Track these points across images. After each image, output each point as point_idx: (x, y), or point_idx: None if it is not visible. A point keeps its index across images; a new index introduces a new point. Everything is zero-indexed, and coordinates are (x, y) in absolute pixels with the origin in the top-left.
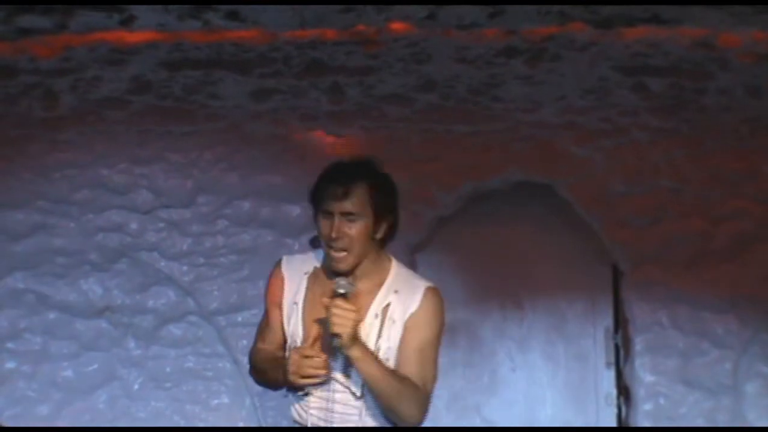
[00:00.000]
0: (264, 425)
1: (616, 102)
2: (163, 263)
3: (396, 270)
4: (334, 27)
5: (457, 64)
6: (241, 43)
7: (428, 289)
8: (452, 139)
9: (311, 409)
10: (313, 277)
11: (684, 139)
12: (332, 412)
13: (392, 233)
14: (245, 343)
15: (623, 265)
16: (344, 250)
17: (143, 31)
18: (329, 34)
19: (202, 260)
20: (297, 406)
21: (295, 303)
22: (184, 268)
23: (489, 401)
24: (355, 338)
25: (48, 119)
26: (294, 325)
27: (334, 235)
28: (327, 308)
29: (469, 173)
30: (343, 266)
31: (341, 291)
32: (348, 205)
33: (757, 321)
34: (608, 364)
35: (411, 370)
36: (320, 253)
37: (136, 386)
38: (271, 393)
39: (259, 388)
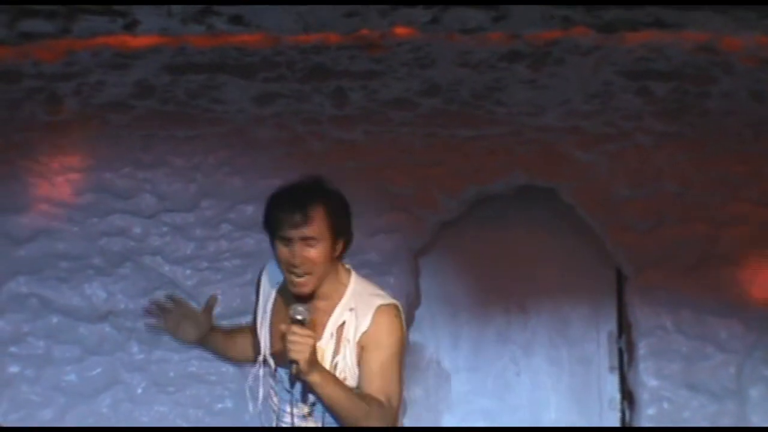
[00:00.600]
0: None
1: (620, 106)
2: (166, 267)
3: (354, 287)
4: (338, 31)
5: (461, 68)
6: (245, 48)
7: (380, 306)
8: (456, 144)
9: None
10: (284, 289)
11: (687, 143)
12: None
13: (347, 248)
14: None
15: (627, 269)
16: (306, 273)
17: (147, 35)
18: (333, 39)
19: (205, 264)
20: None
21: (265, 312)
22: (188, 272)
23: (493, 405)
24: (313, 363)
25: (51, 123)
26: (264, 333)
27: (297, 261)
28: (283, 335)
29: (473, 177)
30: (305, 290)
31: (298, 317)
32: (307, 231)
33: (761, 325)
34: (612, 369)
35: (373, 387)
36: None
37: (139, 390)
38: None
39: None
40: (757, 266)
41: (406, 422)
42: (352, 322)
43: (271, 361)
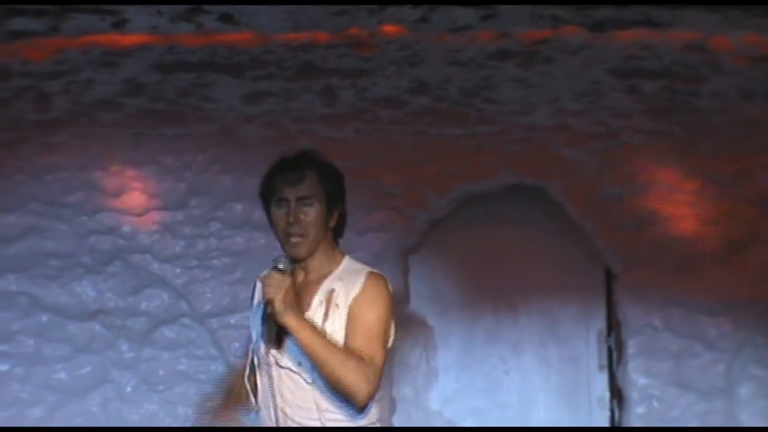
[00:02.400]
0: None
1: (609, 105)
2: (156, 266)
3: (346, 263)
4: (327, 30)
5: (450, 66)
6: (234, 46)
7: (371, 273)
8: (445, 142)
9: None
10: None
11: (677, 142)
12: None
13: (342, 225)
14: (237, 345)
15: (616, 268)
16: (301, 236)
17: (136, 33)
18: (322, 37)
19: (195, 263)
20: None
21: (259, 303)
22: (177, 270)
23: (482, 404)
24: (289, 305)
25: (41, 122)
26: (255, 324)
27: (292, 219)
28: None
29: (462, 176)
30: (301, 251)
31: (280, 266)
32: (303, 189)
33: (750, 323)
34: (601, 367)
35: (358, 344)
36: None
37: (129, 389)
38: None
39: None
40: (745, 265)
41: (396, 421)
42: (342, 289)
43: (262, 346)
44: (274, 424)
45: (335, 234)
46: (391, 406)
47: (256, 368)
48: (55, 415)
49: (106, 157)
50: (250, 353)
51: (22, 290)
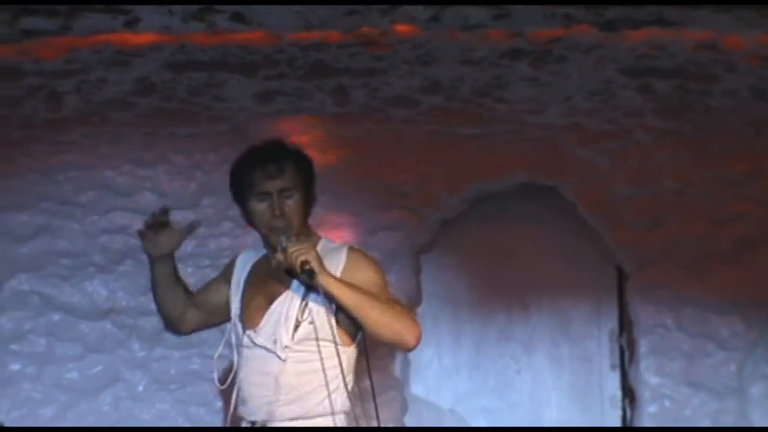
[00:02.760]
0: None
1: (621, 104)
2: None
3: (323, 243)
4: (339, 29)
5: (462, 65)
6: (246, 45)
7: (350, 248)
8: (457, 141)
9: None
10: (258, 264)
11: (689, 141)
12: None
13: (312, 205)
14: None
15: (628, 267)
16: (285, 228)
17: (148, 32)
18: (334, 36)
19: (207, 262)
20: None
21: (238, 285)
22: (189, 269)
23: (494, 403)
24: (322, 265)
25: (52, 121)
26: (234, 304)
27: (277, 212)
28: (284, 260)
29: (474, 175)
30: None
31: (285, 243)
32: (284, 182)
33: (762, 323)
34: (613, 366)
35: (382, 298)
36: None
37: (140, 388)
38: None
39: None
40: (757, 264)
41: (408, 420)
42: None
43: (240, 326)
44: (233, 405)
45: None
46: (403, 406)
47: (233, 348)
48: (66, 415)
49: (117, 156)
50: (227, 333)
51: (33, 289)
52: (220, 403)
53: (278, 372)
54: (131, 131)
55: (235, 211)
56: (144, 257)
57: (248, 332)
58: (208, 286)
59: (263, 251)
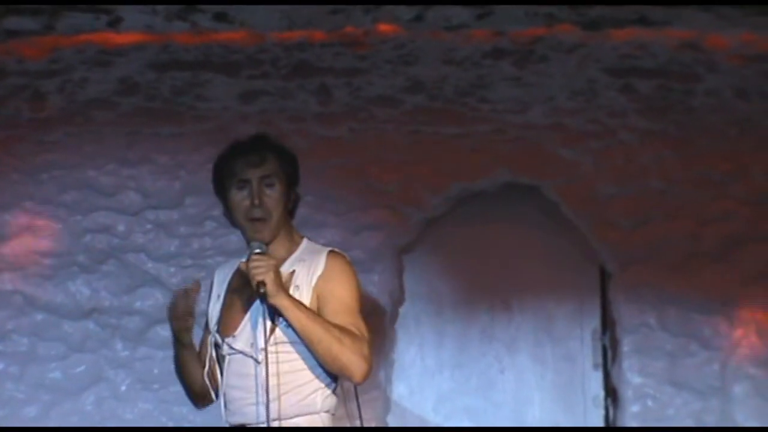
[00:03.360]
0: None
1: (604, 103)
2: (150, 265)
3: (305, 245)
4: (322, 28)
5: (445, 65)
6: (229, 45)
7: (330, 252)
8: (440, 141)
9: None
10: (237, 273)
11: (672, 141)
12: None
13: (296, 207)
14: None
15: (611, 267)
16: (264, 219)
17: (131, 32)
18: (317, 36)
19: (189, 262)
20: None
21: (218, 296)
22: (172, 269)
23: (477, 403)
24: (280, 285)
25: (35, 120)
26: (213, 315)
27: (256, 201)
28: (245, 270)
29: (457, 175)
30: (264, 234)
31: (257, 251)
32: (265, 170)
33: (745, 322)
34: (596, 366)
35: (342, 320)
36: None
37: (123, 388)
38: None
39: None
40: (741, 264)
41: (390, 420)
42: (304, 271)
43: (218, 337)
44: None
45: (290, 214)
46: (386, 405)
47: (215, 361)
48: (49, 414)
49: (101, 155)
50: (208, 347)
51: (16, 289)
52: None
53: (255, 374)
54: (115, 131)
55: (218, 210)
56: (128, 258)
57: (227, 340)
58: (203, 340)
59: (241, 259)
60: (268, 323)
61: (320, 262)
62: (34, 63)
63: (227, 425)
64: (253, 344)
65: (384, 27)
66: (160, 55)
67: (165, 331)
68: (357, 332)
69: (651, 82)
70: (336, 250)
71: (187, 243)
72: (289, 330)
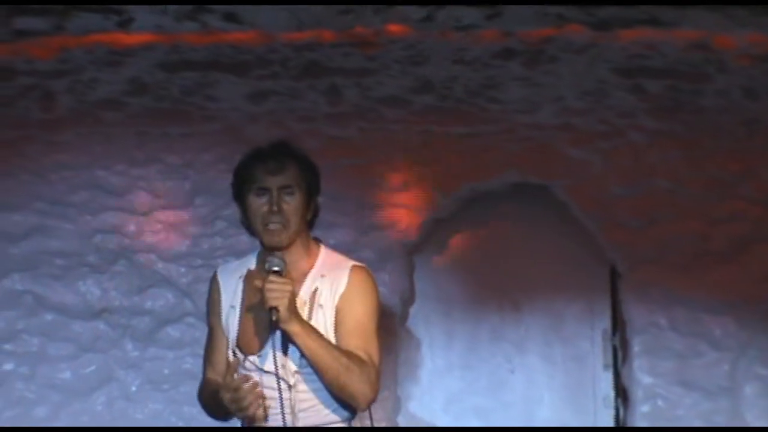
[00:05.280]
0: None
1: (614, 104)
2: (160, 265)
3: (324, 256)
4: (332, 29)
5: (455, 65)
6: (239, 45)
7: (354, 267)
8: (450, 141)
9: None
10: (249, 278)
11: (681, 141)
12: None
13: (316, 217)
14: None
15: (621, 267)
16: (282, 224)
17: (140, 32)
18: (327, 36)
19: (199, 262)
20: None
21: (233, 306)
22: (182, 269)
23: (487, 403)
24: (293, 311)
25: (45, 121)
26: (232, 328)
27: (275, 208)
28: (261, 287)
29: (467, 175)
30: (281, 239)
31: (275, 268)
32: (285, 178)
33: (754, 322)
34: (606, 366)
35: (353, 344)
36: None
37: (133, 388)
38: None
39: None
40: (750, 264)
41: (400, 420)
42: (326, 288)
43: (239, 353)
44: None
45: (310, 224)
46: (396, 405)
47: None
48: (59, 415)
49: (110, 156)
50: (231, 358)
51: (26, 289)
52: None
53: (288, 396)
54: (124, 131)
55: (228, 210)
56: (138, 258)
57: (251, 358)
58: (214, 345)
59: (247, 259)
60: (279, 345)
61: (342, 279)
62: (44, 63)
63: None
64: (285, 366)
65: (394, 27)
66: (169, 55)
67: (175, 331)
68: (366, 358)
69: (660, 83)
70: (359, 264)
71: (197, 243)
72: None
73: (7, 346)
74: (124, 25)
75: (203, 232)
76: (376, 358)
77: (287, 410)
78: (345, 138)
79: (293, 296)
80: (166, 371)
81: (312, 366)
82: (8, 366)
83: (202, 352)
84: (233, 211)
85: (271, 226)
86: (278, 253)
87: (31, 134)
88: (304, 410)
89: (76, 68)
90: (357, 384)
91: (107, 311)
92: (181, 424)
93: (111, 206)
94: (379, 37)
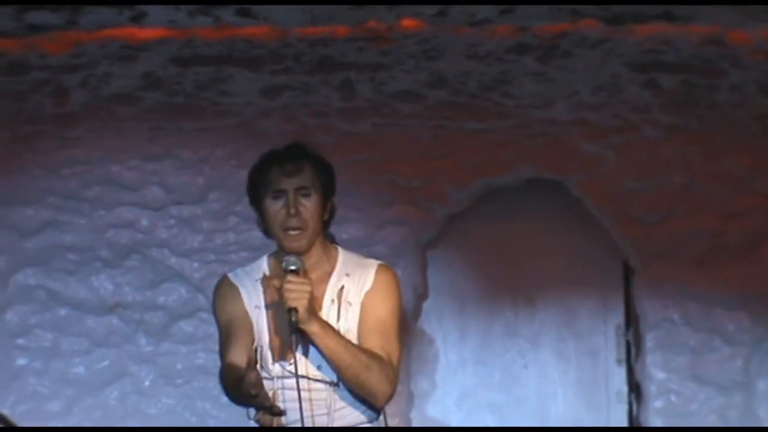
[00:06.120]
0: None
1: (628, 99)
2: (173, 260)
3: (343, 256)
4: (346, 24)
5: (469, 60)
6: (252, 40)
7: (380, 266)
8: (463, 136)
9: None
10: (266, 280)
11: (695, 136)
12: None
13: (332, 218)
14: None
15: (634, 262)
16: (301, 228)
17: (154, 27)
18: (340, 31)
19: (212, 257)
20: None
21: (257, 307)
22: (195, 264)
23: (500, 398)
24: (312, 312)
25: (58, 116)
26: (259, 330)
27: (292, 211)
28: (279, 288)
29: (481, 170)
30: (301, 244)
31: (292, 267)
32: (301, 180)
33: None
34: (619, 361)
35: (373, 342)
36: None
37: (147, 383)
38: None
39: None
40: (764, 259)
41: (413, 415)
42: (352, 286)
43: (269, 355)
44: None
45: (326, 226)
46: (409, 400)
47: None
48: (72, 409)
49: (123, 150)
50: (259, 360)
51: (40, 284)
52: (226, 398)
53: (326, 396)
54: (137, 126)
55: (241, 205)
56: (151, 253)
57: (280, 363)
58: (235, 337)
59: (256, 265)
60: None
61: (369, 277)
62: (57, 58)
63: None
64: (321, 367)
65: (407, 22)
66: (183, 50)
67: (188, 326)
68: (385, 357)
69: (674, 78)
70: (383, 263)
71: (210, 238)
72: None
73: (21, 341)
74: (138, 19)
75: (216, 227)
76: (395, 357)
77: (323, 410)
78: (358, 133)
79: (311, 296)
80: (179, 366)
81: (331, 365)
82: (22, 361)
83: (215, 346)
84: (246, 206)
85: (291, 232)
86: (295, 256)
87: (44, 129)
88: (339, 409)
89: (89, 63)
90: (376, 382)
91: (120, 306)
92: (194, 420)
93: (124, 201)
94: (392, 32)
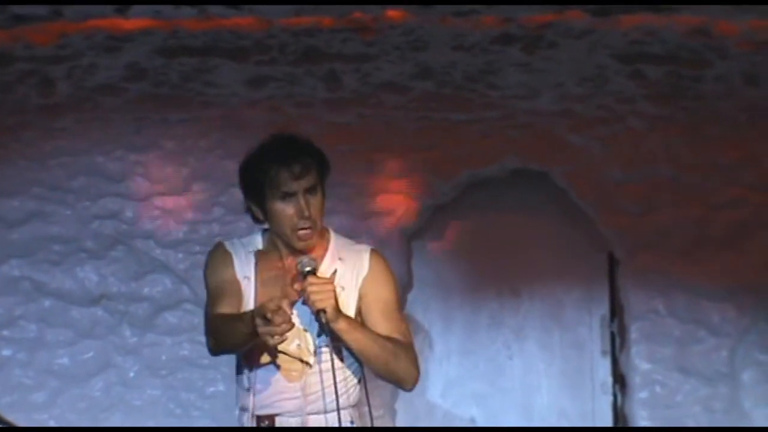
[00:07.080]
0: None
1: (613, 90)
2: (158, 251)
3: (335, 239)
4: (331, 14)
5: (454, 51)
6: (237, 31)
7: (372, 251)
8: (449, 127)
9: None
10: (261, 255)
11: (681, 127)
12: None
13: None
14: None
15: (619, 253)
16: (311, 227)
17: (139, 18)
18: (325, 22)
19: (197, 248)
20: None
21: (246, 277)
22: (180, 255)
23: (485, 389)
24: (338, 309)
25: (44, 106)
26: (246, 300)
27: (306, 214)
28: (301, 291)
29: (466, 161)
30: (313, 240)
31: (308, 269)
32: (310, 180)
33: (753, 309)
34: (604, 352)
35: (386, 327)
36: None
37: (131, 374)
38: None
39: None
40: (750, 250)
41: (398, 407)
42: (346, 271)
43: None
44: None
45: None
46: (394, 391)
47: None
48: (57, 401)
49: (109, 141)
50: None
51: (24, 275)
52: (211, 389)
53: (302, 375)
54: (123, 117)
55: (226, 197)
56: (136, 244)
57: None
58: (225, 294)
59: (249, 240)
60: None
61: (364, 262)
62: (42, 49)
63: (244, 413)
64: (300, 345)
65: (392, 13)
66: (168, 41)
67: (173, 318)
68: (405, 341)
69: (660, 68)
70: (375, 248)
71: (195, 229)
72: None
73: (5, 332)
74: (123, 10)
75: (201, 218)
76: (410, 336)
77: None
78: (344, 124)
79: (335, 294)
80: (163, 357)
81: (359, 356)
82: (6, 352)
83: (200, 338)
84: (231, 197)
85: (301, 232)
86: (308, 255)
87: (29, 120)
88: (312, 392)
89: (74, 54)
90: (405, 367)
91: (105, 297)
92: (178, 411)
93: (109, 192)
94: (377, 22)
